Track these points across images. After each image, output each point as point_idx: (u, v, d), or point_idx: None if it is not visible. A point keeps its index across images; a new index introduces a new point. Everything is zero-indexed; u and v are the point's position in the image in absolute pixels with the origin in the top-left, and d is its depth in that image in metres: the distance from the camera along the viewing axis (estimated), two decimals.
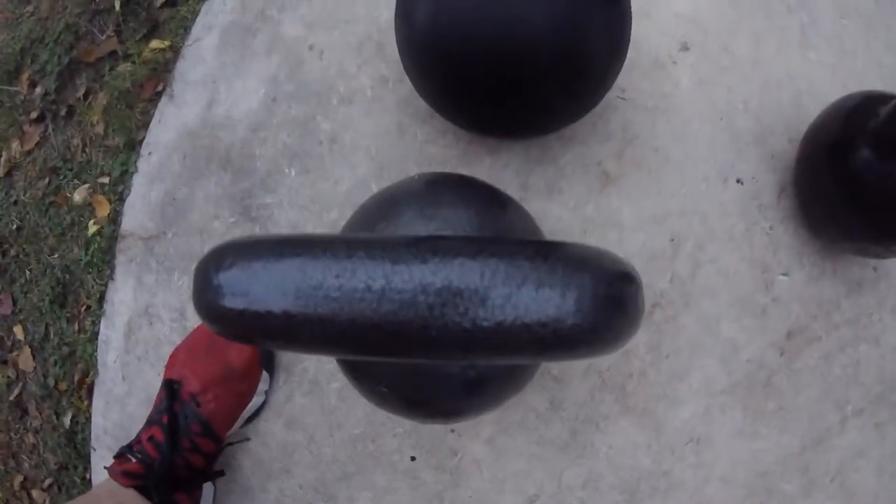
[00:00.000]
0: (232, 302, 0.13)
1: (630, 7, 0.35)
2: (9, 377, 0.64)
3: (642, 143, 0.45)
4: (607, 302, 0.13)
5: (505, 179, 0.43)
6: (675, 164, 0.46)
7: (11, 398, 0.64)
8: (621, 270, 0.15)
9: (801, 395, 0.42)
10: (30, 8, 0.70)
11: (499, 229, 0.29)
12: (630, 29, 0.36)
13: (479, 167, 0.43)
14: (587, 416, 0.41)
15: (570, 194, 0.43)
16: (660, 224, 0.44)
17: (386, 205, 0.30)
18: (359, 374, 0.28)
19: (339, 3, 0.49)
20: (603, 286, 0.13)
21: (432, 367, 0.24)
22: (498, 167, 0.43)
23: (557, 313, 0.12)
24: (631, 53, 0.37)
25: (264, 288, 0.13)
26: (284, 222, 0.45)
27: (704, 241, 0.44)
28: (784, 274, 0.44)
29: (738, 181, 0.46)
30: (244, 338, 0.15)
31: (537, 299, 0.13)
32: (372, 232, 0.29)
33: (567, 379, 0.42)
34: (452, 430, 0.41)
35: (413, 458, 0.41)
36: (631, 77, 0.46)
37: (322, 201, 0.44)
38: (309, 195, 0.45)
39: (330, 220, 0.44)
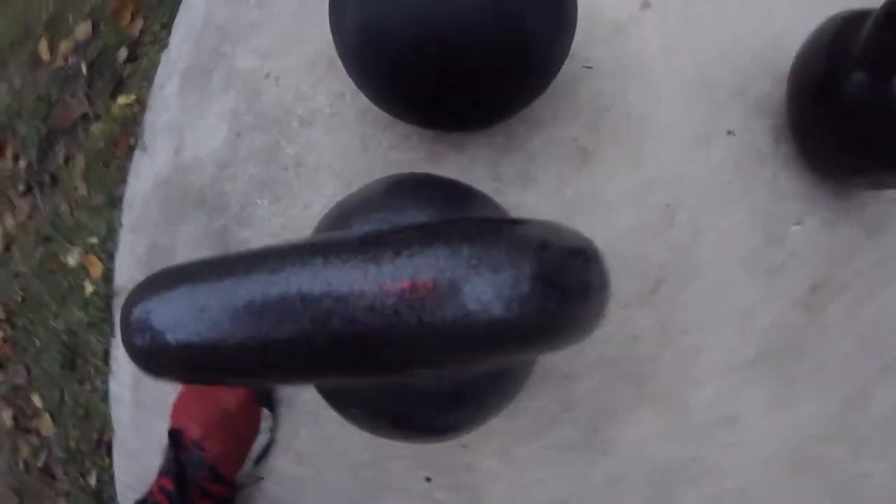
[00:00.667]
0: (140, 338, 0.12)
1: None
2: (34, 445, 0.66)
3: (616, 112, 0.43)
4: (536, 286, 0.11)
5: (475, 175, 0.41)
6: (655, 128, 0.43)
7: (39, 465, 0.65)
8: (559, 244, 0.13)
9: (835, 349, 0.39)
10: (4, 86, 0.73)
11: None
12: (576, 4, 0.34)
13: (447, 165, 0.41)
14: (604, 411, 0.39)
15: (545, 179, 0.41)
16: (649, 194, 0.42)
17: (341, 217, 0.29)
18: (330, 398, 0.27)
19: (289, 27, 0.48)
20: (528, 267, 0.11)
21: (404, 383, 0.22)
22: (465, 163, 0.41)
23: (478, 306, 0.10)
24: (589, 21, 0.35)
25: (166, 318, 0.12)
26: None
27: (701, 203, 0.41)
28: (797, 223, 0.41)
29: (728, 132, 0.43)
30: (164, 375, 0.14)
31: (474, 293, 0.11)
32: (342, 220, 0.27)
33: (576, 375, 0.39)
34: (464, 446, 0.39)
35: (428, 479, 0.39)
36: (592, 44, 0.44)
37: (294, 227, 0.43)
38: (281, 223, 0.44)
39: None
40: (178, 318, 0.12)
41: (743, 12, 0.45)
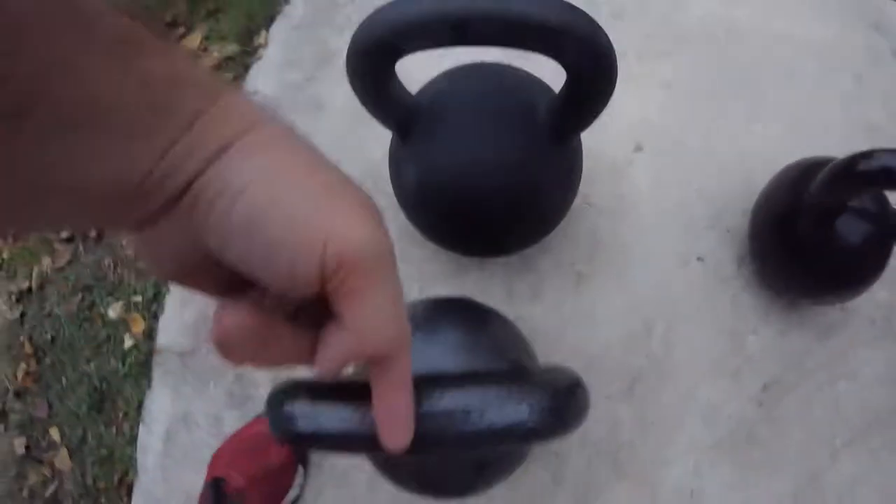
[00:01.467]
0: (304, 427, 0.20)
1: (580, 141, 0.44)
2: (44, 475, 0.69)
3: (608, 243, 0.53)
4: (552, 410, 0.21)
5: (492, 289, 0.50)
6: (639, 256, 0.53)
7: (47, 495, 0.68)
8: (566, 385, 0.23)
9: (786, 440, 0.46)
10: None
11: (485, 340, 0.37)
12: (581, 160, 0.44)
13: (469, 280, 0.50)
14: (588, 486, 0.47)
15: (549, 296, 0.51)
16: (632, 310, 0.51)
17: None
18: (389, 470, 0.36)
19: (334, 143, 0.57)
20: (548, 400, 0.21)
21: (448, 457, 0.32)
22: (485, 279, 0.51)
23: (518, 419, 0.20)
24: (591, 161, 0.43)
25: (328, 417, 0.20)
26: None
27: (674, 320, 0.50)
28: (753, 333, 0.49)
29: (698, 259, 0.52)
30: (310, 447, 0.22)
31: (504, 411, 0.20)
32: None
33: (565, 453, 0.48)
34: None
35: None
36: (593, 184, 0.55)
37: None
38: None
39: None
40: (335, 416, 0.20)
41: (722, 152, 0.55)
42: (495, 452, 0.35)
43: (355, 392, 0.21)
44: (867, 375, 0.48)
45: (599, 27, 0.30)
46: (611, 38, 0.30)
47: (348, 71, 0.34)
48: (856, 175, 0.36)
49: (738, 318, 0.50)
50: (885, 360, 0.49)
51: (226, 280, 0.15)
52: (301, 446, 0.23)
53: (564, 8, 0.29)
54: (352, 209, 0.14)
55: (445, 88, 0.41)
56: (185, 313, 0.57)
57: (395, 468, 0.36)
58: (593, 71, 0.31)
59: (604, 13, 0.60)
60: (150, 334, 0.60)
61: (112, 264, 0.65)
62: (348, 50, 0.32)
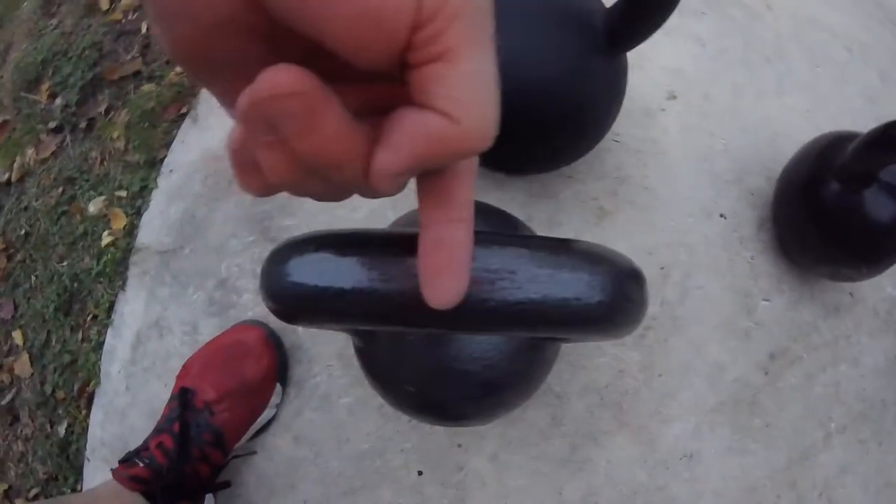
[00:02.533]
0: (311, 281, 0.16)
1: (626, 62, 0.40)
2: (2, 382, 0.64)
3: (633, 183, 0.50)
4: (624, 286, 0.17)
5: (511, 212, 0.46)
6: (663, 201, 0.50)
7: (3, 403, 0.63)
8: (633, 266, 0.19)
9: (786, 412, 0.45)
10: (54, 21, 0.73)
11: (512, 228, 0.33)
12: (626, 82, 0.40)
13: (488, 199, 0.46)
14: (586, 432, 0.44)
15: (568, 226, 0.47)
16: (650, 255, 0.48)
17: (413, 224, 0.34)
18: (385, 377, 0.31)
19: None
20: (622, 274, 0.17)
21: (453, 369, 0.27)
22: (505, 200, 0.46)
23: (586, 292, 0.16)
24: (626, 102, 0.41)
25: (337, 270, 0.16)
26: None
27: (691, 270, 0.48)
28: (765, 299, 0.48)
29: (721, 216, 0.50)
30: (318, 314, 0.17)
31: (559, 280, 0.16)
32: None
33: (567, 395, 0.45)
34: (459, 445, 0.43)
35: (420, 473, 0.42)
36: (625, 123, 0.51)
37: (340, 226, 0.47)
38: (326, 220, 0.47)
39: None
40: (321, 272, 0.17)
41: (750, 114, 0.53)
42: (520, 353, 0.29)
43: (380, 246, 0.16)
44: (867, 364, 0.47)
45: None
46: None
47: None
48: (891, 142, 0.36)
49: (753, 281, 0.49)
50: (884, 353, 0.48)
51: (263, 50, 0.11)
52: (302, 317, 0.18)
53: None
54: None
55: None
56: (171, 209, 0.53)
57: (394, 380, 0.31)
58: None
59: None
60: (130, 232, 0.55)
61: (99, 157, 0.60)
62: None
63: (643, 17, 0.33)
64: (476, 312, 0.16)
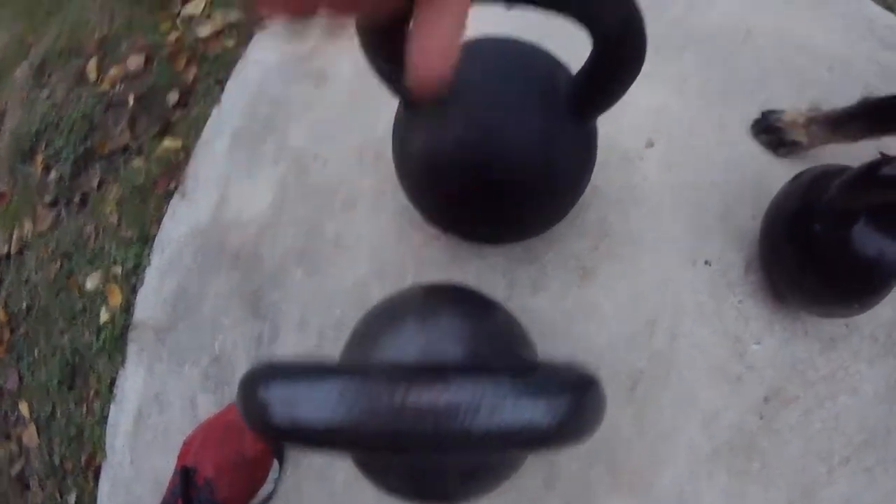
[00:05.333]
0: (281, 416, 0.17)
1: (595, 126, 0.40)
2: (11, 452, 0.65)
3: (616, 235, 0.50)
4: (570, 408, 0.18)
5: (493, 280, 0.47)
6: (647, 250, 0.50)
7: (13, 473, 0.65)
8: (583, 382, 0.20)
9: (784, 452, 0.45)
10: (45, 91, 0.75)
11: (486, 329, 0.34)
12: (596, 145, 0.41)
13: (469, 268, 0.47)
14: (581, 490, 0.44)
15: (551, 290, 0.48)
16: (636, 308, 0.48)
17: (390, 315, 0.34)
18: (373, 471, 0.32)
19: (340, 114, 0.54)
20: (566, 398, 0.18)
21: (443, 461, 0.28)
22: (485, 268, 0.47)
23: (534, 419, 0.17)
24: (604, 152, 0.40)
25: (308, 405, 0.17)
26: (292, 319, 0.48)
27: (678, 320, 0.48)
28: (756, 343, 0.47)
29: (706, 262, 0.50)
30: (288, 442, 0.18)
31: (519, 408, 0.17)
32: (379, 340, 0.33)
33: (558, 457, 0.45)
34: None
35: None
36: (603, 173, 0.51)
37: (327, 299, 0.48)
38: (314, 293, 0.48)
39: (335, 317, 0.47)
40: (324, 406, 0.17)
41: (733, 150, 0.53)
42: (492, 459, 0.31)
43: (340, 373, 0.18)
44: (867, 392, 0.47)
45: None
46: None
47: (358, 32, 0.31)
48: (877, 180, 0.35)
49: (743, 325, 0.48)
50: (885, 378, 0.47)
51: None
52: (277, 440, 0.19)
53: None
54: None
55: (461, 56, 0.38)
56: (164, 286, 0.54)
57: (379, 469, 0.32)
58: (625, 38, 0.28)
59: None
60: (127, 308, 0.56)
61: (94, 232, 0.62)
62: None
63: (606, 87, 0.32)
64: (446, 441, 0.17)
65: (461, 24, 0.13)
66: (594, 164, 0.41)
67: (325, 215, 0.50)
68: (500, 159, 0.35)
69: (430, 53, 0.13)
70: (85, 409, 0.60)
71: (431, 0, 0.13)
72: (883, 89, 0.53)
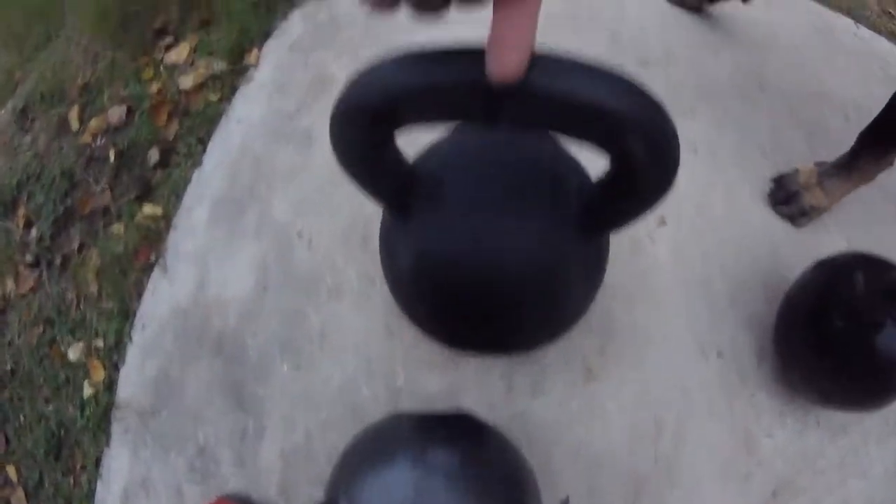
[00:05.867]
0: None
1: (608, 239, 0.37)
2: None
3: (623, 330, 0.46)
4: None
5: (490, 382, 0.44)
6: (655, 343, 0.47)
7: None
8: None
9: None
10: (28, 139, 0.71)
11: (483, 472, 0.31)
12: (607, 257, 0.37)
13: (465, 371, 0.44)
14: None
15: (553, 392, 0.44)
16: (643, 407, 0.45)
17: (379, 447, 0.32)
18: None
19: (326, 184, 0.50)
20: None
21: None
22: (483, 370, 0.44)
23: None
24: (611, 238, 0.37)
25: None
26: (278, 416, 0.46)
27: (687, 418, 0.45)
28: (768, 436, 0.45)
29: (718, 354, 0.47)
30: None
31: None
32: (368, 480, 0.30)
33: None
34: None
35: None
36: (612, 263, 0.48)
37: (314, 398, 0.45)
38: (301, 390, 0.46)
39: (321, 419, 0.45)
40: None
41: (752, 210, 0.49)
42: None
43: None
44: (877, 474, 0.44)
45: (666, 114, 0.23)
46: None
47: (331, 135, 0.27)
48: None
49: (755, 419, 0.45)
50: (894, 457, 0.45)
51: None
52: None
53: (625, 88, 0.21)
54: None
55: (452, 153, 0.34)
56: (146, 366, 0.52)
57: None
58: (650, 165, 0.25)
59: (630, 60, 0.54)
60: (110, 386, 0.54)
61: (75, 300, 0.59)
62: (333, 111, 0.25)
63: (626, 208, 0.28)
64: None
65: (534, 20, 0.15)
66: (604, 275, 0.37)
67: (311, 306, 0.47)
68: (497, 275, 0.32)
69: (508, 46, 0.15)
70: (72, 480, 0.58)
71: None
72: None
